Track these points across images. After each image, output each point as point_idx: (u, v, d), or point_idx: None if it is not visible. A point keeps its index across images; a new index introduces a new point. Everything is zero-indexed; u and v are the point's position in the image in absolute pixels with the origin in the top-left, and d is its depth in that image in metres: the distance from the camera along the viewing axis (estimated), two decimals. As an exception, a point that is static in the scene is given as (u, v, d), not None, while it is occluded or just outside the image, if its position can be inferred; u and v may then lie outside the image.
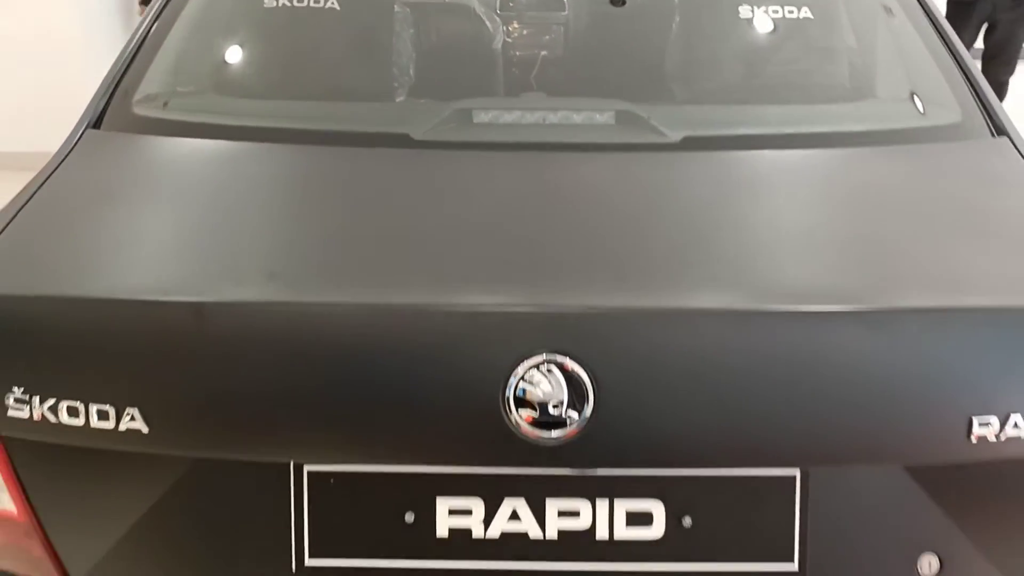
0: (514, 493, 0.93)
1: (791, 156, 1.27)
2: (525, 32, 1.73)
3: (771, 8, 1.54)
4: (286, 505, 0.93)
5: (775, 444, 0.92)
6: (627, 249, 1.04)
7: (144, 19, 1.50)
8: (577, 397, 0.89)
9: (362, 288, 0.97)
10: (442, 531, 0.93)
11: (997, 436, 0.91)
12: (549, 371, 0.89)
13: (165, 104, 1.41)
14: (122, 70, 1.40)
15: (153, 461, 0.94)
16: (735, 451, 0.92)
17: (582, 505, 0.93)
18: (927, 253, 1.06)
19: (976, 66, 1.43)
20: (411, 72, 1.58)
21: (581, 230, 1.08)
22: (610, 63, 1.54)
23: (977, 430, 0.91)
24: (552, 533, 0.93)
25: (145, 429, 0.92)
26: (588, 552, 0.94)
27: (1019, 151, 1.27)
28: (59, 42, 4.11)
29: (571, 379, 0.89)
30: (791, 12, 1.54)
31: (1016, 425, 0.91)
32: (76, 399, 0.92)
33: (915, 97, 1.44)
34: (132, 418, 0.92)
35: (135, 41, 1.45)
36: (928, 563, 0.95)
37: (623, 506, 0.93)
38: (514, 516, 0.93)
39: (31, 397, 0.93)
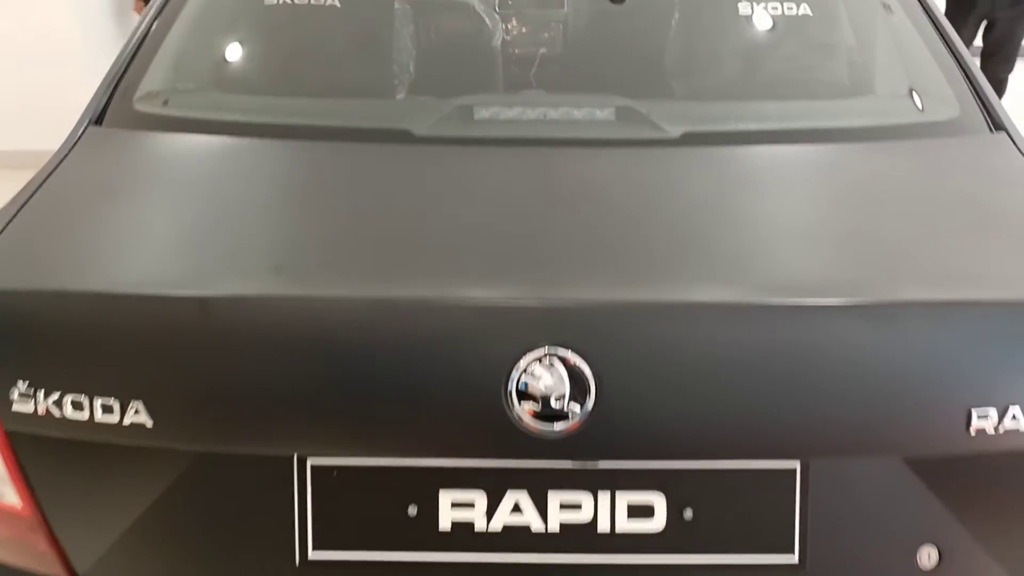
0: (516, 486, 0.94)
1: (790, 151, 1.27)
2: (525, 29, 1.73)
3: (770, 5, 1.54)
4: (290, 498, 0.94)
5: (775, 437, 0.92)
6: (628, 243, 1.05)
7: (145, 16, 1.51)
8: (579, 390, 0.90)
9: (365, 282, 0.97)
10: (445, 524, 0.94)
11: (996, 428, 0.92)
12: (551, 364, 0.90)
13: (167, 101, 1.41)
14: (124, 67, 1.41)
15: (157, 455, 0.94)
16: (736, 444, 0.93)
17: (584, 498, 0.94)
18: (926, 247, 1.06)
19: (974, 62, 1.44)
20: (411, 69, 1.59)
21: (582, 225, 1.08)
22: (610, 60, 1.55)
23: (976, 422, 0.91)
24: (554, 526, 0.94)
25: (149, 423, 0.92)
26: (590, 544, 0.94)
27: (1017, 146, 1.28)
28: (56, 42, 4.11)
29: (573, 372, 0.90)
30: (790, 9, 1.54)
31: (1015, 417, 0.92)
32: (81, 393, 0.93)
33: (913, 93, 1.45)
34: (136, 412, 0.92)
35: (137, 38, 1.46)
36: (927, 555, 0.96)
37: (625, 498, 0.93)
38: (516, 509, 0.94)
39: (36, 391, 0.94)
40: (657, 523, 0.94)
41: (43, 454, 0.97)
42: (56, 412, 0.94)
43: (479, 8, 1.63)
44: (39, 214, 1.12)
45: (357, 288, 0.96)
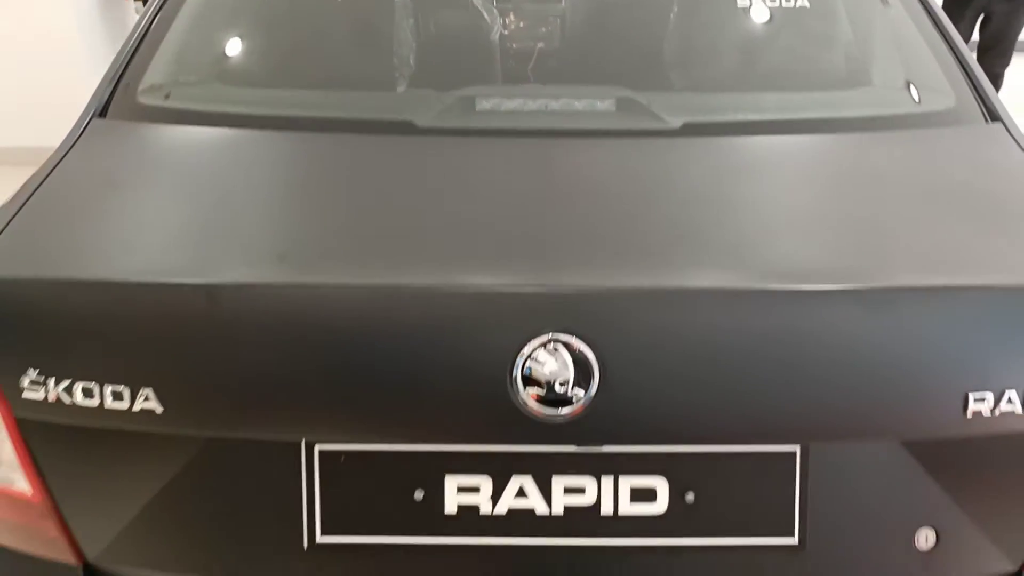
0: (521, 470, 0.95)
1: (789, 141, 1.29)
2: (525, 21, 1.74)
3: None
4: (298, 483, 0.95)
5: (775, 421, 0.94)
6: (630, 231, 1.06)
7: (148, 8, 1.51)
8: (582, 376, 0.91)
9: (371, 270, 0.98)
10: (451, 508, 0.95)
11: (992, 411, 0.93)
12: (555, 350, 0.91)
13: (170, 93, 1.42)
14: (127, 59, 1.41)
15: (167, 441, 0.95)
16: (736, 428, 0.94)
17: (587, 482, 0.95)
18: (923, 234, 1.08)
19: (970, 53, 1.45)
20: (411, 62, 1.59)
21: (585, 213, 1.10)
22: (610, 52, 1.56)
23: (973, 406, 0.93)
24: (558, 509, 0.95)
25: (159, 409, 0.93)
26: (593, 528, 0.96)
27: (1012, 136, 1.29)
28: (56, 39, 4.10)
29: (577, 358, 0.91)
30: (788, 1, 1.56)
31: (1011, 401, 0.93)
32: (91, 380, 0.94)
33: (910, 83, 1.46)
34: (146, 399, 0.93)
35: (140, 30, 1.47)
36: (925, 537, 0.97)
37: (627, 482, 0.95)
38: (521, 493, 0.95)
39: (46, 379, 0.95)
40: (659, 506, 0.95)
41: (53, 441, 0.98)
42: (66, 399, 0.95)
43: (478, 1, 1.64)
44: (46, 205, 1.13)
45: (363, 276, 0.97)
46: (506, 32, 1.67)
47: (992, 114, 1.34)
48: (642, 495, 0.95)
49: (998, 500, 0.98)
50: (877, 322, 0.93)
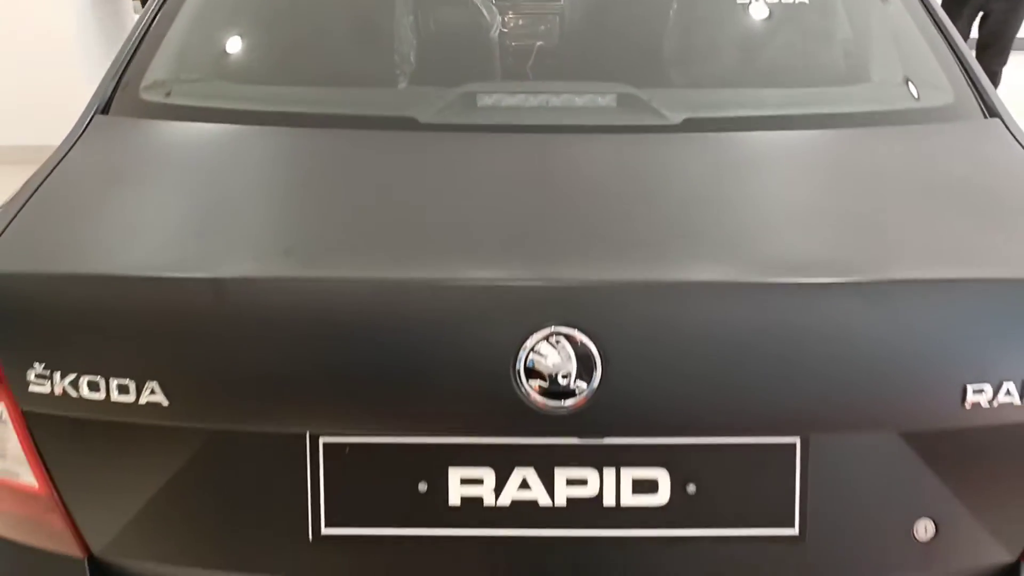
0: (524, 462, 0.96)
1: (789, 137, 1.29)
2: (525, 18, 1.75)
3: None
4: (302, 475, 0.96)
5: (776, 413, 0.95)
6: (632, 225, 1.07)
7: (150, 5, 1.52)
8: (585, 368, 0.92)
9: (375, 264, 0.99)
10: (454, 500, 0.96)
11: (990, 403, 0.94)
12: (557, 343, 0.92)
13: (173, 90, 1.43)
14: (129, 56, 1.42)
15: (172, 434, 0.96)
16: (737, 420, 0.95)
17: (590, 473, 0.96)
18: (921, 228, 1.09)
19: (969, 49, 1.46)
20: (412, 59, 1.60)
21: (587, 208, 1.10)
22: (610, 48, 1.57)
23: (971, 397, 0.94)
24: (561, 501, 0.96)
25: (165, 402, 0.94)
26: (596, 519, 0.96)
27: (1010, 131, 1.30)
28: (55, 38, 4.11)
29: (579, 351, 0.92)
30: None
31: (1009, 392, 0.94)
32: (97, 374, 0.95)
33: (909, 80, 1.47)
34: (152, 392, 0.94)
35: (142, 27, 1.47)
36: (924, 528, 0.98)
37: (629, 474, 0.96)
38: (524, 485, 0.96)
39: (52, 373, 0.95)
40: (661, 498, 0.96)
41: (59, 434, 0.99)
42: (72, 393, 0.95)
43: None
44: (51, 200, 1.13)
45: (367, 270, 0.98)
46: (507, 29, 1.68)
47: (990, 110, 1.35)
48: (644, 487, 0.96)
49: (997, 491, 0.99)
50: (876, 315, 0.94)
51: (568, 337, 0.92)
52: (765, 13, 1.60)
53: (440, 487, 0.96)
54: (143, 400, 0.94)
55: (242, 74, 1.54)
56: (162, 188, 1.21)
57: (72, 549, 1.01)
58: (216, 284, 0.95)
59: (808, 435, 0.95)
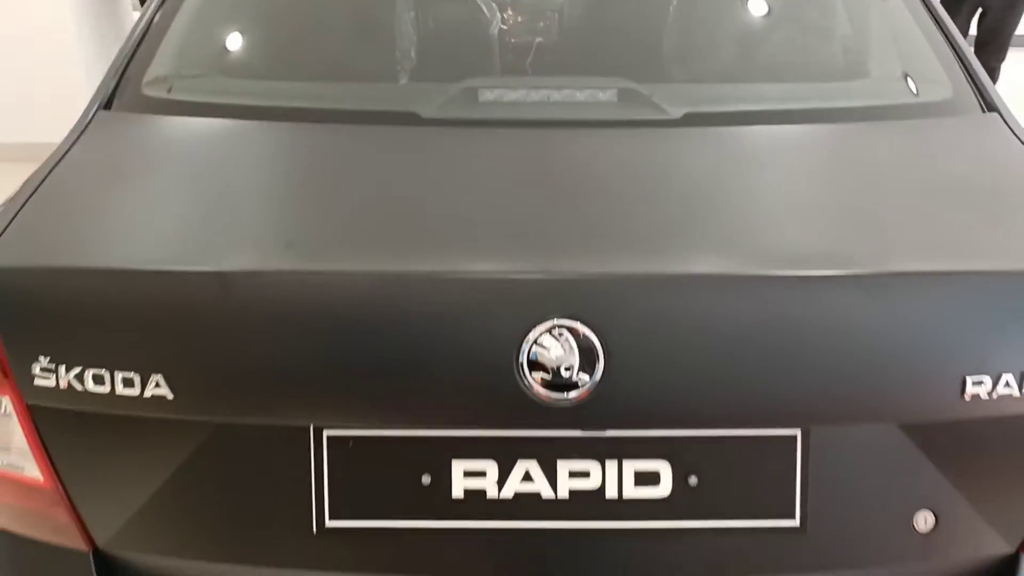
0: (527, 455, 0.96)
1: (789, 131, 1.30)
2: (526, 13, 1.75)
3: None
4: (306, 468, 0.96)
5: (777, 405, 0.95)
6: (633, 219, 1.07)
7: (151, 1, 1.52)
8: (587, 361, 0.93)
9: (379, 257, 1.00)
10: (457, 492, 0.96)
11: (990, 395, 0.95)
12: (560, 336, 0.93)
13: (176, 85, 1.43)
14: (132, 52, 1.42)
15: (177, 427, 0.96)
16: (738, 412, 0.95)
17: (592, 466, 0.96)
18: (921, 221, 1.09)
19: (967, 44, 1.47)
20: (413, 54, 1.61)
21: (589, 202, 1.11)
22: (611, 44, 1.57)
23: (971, 389, 0.94)
24: (563, 493, 0.97)
25: (170, 395, 0.94)
26: (598, 511, 0.97)
27: (1008, 126, 1.31)
28: (54, 35, 4.11)
29: (581, 343, 0.92)
30: None
31: (1008, 384, 0.95)
32: (101, 367, 0.95)
33: (908, 75, 1.48)
34: (157, 385, 0.94)
35: (144, 22, 1.47)
36: (924, 519, 0.99)
37: (631, 466, 0.96)
38: (527, 477, 0.96)
39: (57, 366, 0.96)
40: (663, 490, 0.96)
41: (64, 428, 0.99)
42: (77, 386, 0.96)
43: None
44: (55, 195, 1.14)
45: (370, 263, 0.98)
46: (508, 24, 1.68)
47: (988, 104, 1.36)
48: (646, 479, 0.96)
49: (996, 483, 0.99)
50: (876, 307, 0.94)
51: (571, 330, 0.92)
52: (765, 9, 1.61)
53: (443, 479, 0.96)
54: (148, 393, 0.95)
55: (244, 70, 1.54)
56: (165, 183, 1.21)
57: (77, 542, 1.02)
58: (221, 277, 0.96)
59: (809, 427, 0.96)
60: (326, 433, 0.96)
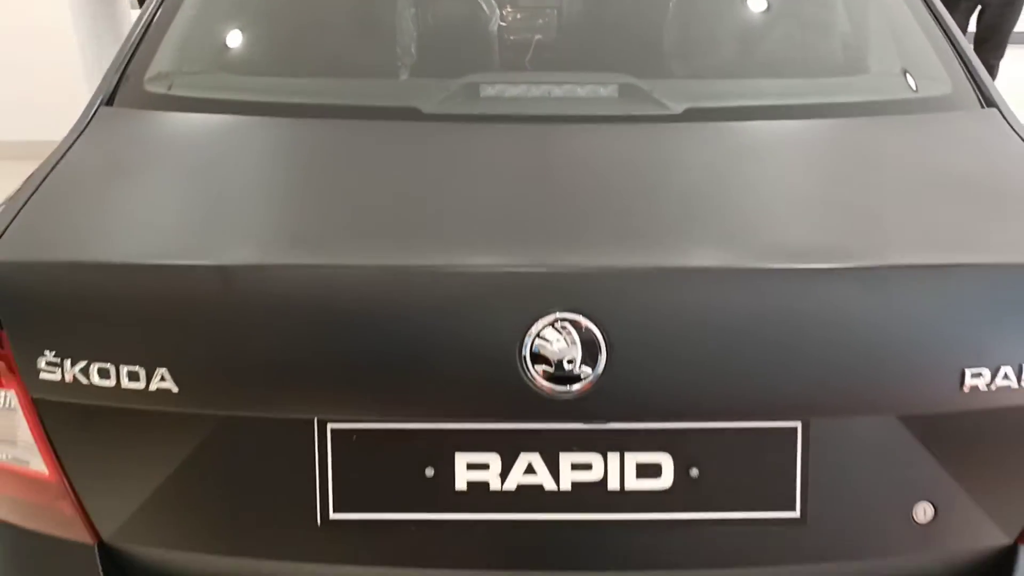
0: (529, 448, 0.97)
1: (789, 126, 1.31)
2: (526, 9, 1.76)
3: None
4: (311, 461, 0.97)
5: (777, 398, 0.96)
6: (635, 213, 1.08)
7: None
8: (589, 354, 0.93)
9: (383, 251, 1.00)
10: (461, 485, 0.97)
11: (988, 387, 0.95)
12: (563, 328, 0.93)
13: (177, 82, 1.43)
14: (133, 48, 1.43)
15: (182, 420, 0.97)
16: (740, 405, 0.96)
17: (594, 458, 0.97)
18: (920, 215, 1.10)
19: (966, 40, 1.47)
20: (413, 51, 1.61)
21: (591, 196, 1.11)
22: (612, 40, 1.58)
23: (969, 381, 0.95)
24: (566, 485, 0.97)
25: (175, 389, 0.95)
26: (600, 503, 0.98)
27: (1007, 121, 1.32)
28: (53, 33, 4.11)
29: (584, 336, 0.93)
30: None
31: (1006, 376, 0.96)
32: (107, 361, 0.96)
33: (908, 70, 1.49)
34: (162, 378, 0.95)
35: (146, 18, 1.48)
36: (923, 510, 1.00)
37: (633, 459, 0.97)
38: (529, 470, 0.97)
39: (62, 360, 0.96)
40: (664, 482, 0.97)
41: (69, 422, 1.00)
42: (83, 380, 0.96)
43: None
44: (59, 190, 1.14)
45: (375, 257, 0.99)
46: (509, 21, 1.68)
47: (987, 100, 1.37)
48: (647, 471, 0.97)
49: (994, 474, 1.00)
50: (876, 300, 0.95)
51: (573, 323, 0.93)
52: (765, 5, 1.61)
53: (447, 472, 0.97)
54: (153, 387, 0.95)
55: (245, 66, 1.54)
56: (168, 178, 1.21)
57: (82, 535, 1.02)
58: (225, 271, 0.96)
59: (809, 419, 0.97)
60: (330, 426, 0.97)
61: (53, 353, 0.97)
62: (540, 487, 0.97)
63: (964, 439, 0.99)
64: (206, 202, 1.14)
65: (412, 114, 1.30)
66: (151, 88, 1.38)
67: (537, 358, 0.93)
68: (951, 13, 1.56)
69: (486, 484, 0.97)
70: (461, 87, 1.38)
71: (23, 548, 1.07)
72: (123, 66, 1.40)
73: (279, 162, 1.26)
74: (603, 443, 0.97)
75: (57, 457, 1.00)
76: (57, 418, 0.99)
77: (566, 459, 0.97)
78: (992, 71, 4.10)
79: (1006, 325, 0.97)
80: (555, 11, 1.72)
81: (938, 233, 1.06)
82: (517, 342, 0.93)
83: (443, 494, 0.97)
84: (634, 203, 1.10)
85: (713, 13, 1.63)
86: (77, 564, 1.03)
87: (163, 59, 1.43)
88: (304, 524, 0.98)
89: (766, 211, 1.11)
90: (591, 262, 0.97)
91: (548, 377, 0.93)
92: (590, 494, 0.97)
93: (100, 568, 1.02)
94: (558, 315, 0.93)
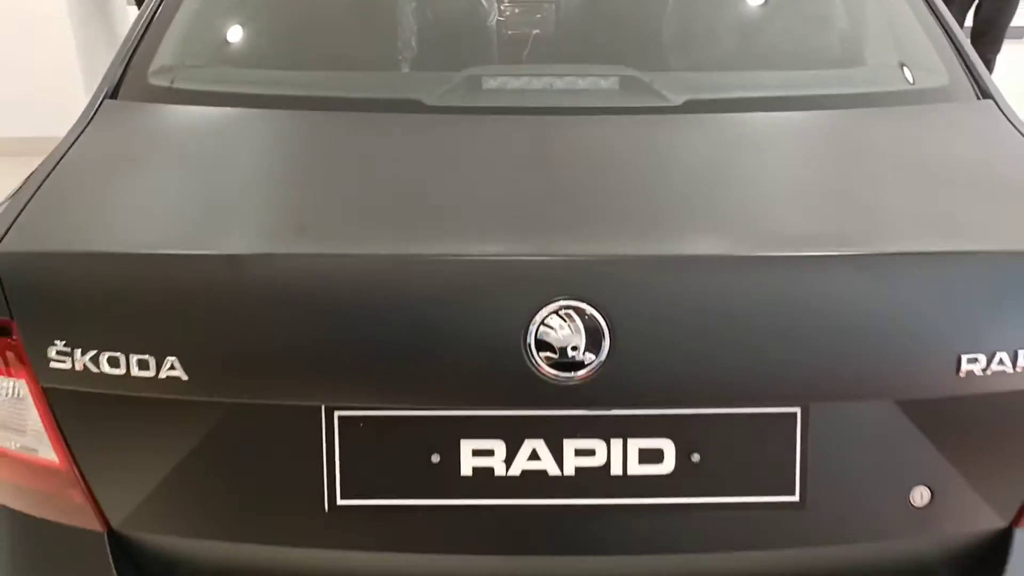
0: (534, 434, 0.98)
1: (788, 117, 1.32)
2: (527, 3, 1.76)
3: None
4: (318, 448, 0.98)
5: (777, 384, 0.97)
6: (637, 202, 1.09)
7: None
8: (593, 341, 0.94)
9: (388, 240, 1.01)
10: (466, 471, 0.98)
11: (984, 372, 0.97)
12: (567, 316, 0.95)
13: (182, 74, 1.44)
14: (137, 41, 1.43)
15: (191, 408, 0.98)
16: (740, 391, 0.98)
17: (597, 444, 0.99)
18: (917, 203, 1.11)
19: (963, 32, 1.49)
20: (415, 44, 1.62)
21: (593, 186, 1.13)
22: (612, 33, 1.59)
23: (965, 366, 0.97)
24: (569, 471, 0.99)
25: (184, 377, 0.96)
26: (603, 488, 0.99)
27: (1003, 112, 1.34)
28: (52, 33, 4.10)
29: (588, 324, 0.94)
30: None
31: (1002, 361, 0.97)
32: (116, 350, 0.97)
33: (905, 62, 1.50)
34: (172, 367, 0.96)
35: (148, 12, 1.49)
36: (920, 494, 1.01)
37: (636, 444, 0.98)
38: (534, 456, 0.99)
39: (72, 349, 0.97)
40: (666, 467, 0.99)
41: (79, 410, 1.01)
42: (93, 368, 0.97)
43: None
44: (66, 181, 1.15)
45: (381, 246, 1.00)
46: (510, 14, 1.69)
47: (983, 91, 1.38)
48: (650, 456, 0.99)
49: (990, 458, 1.02)
50: (874, 287, 0.97)
51: (577, 310, 0.94)
52: (763, -2, 1.62)
53: (452, 458, 0.98)
54: (162, 375, 0.96)
55: (248, 59, 1.55)
56: (174, 169, 1.22)
57: (92, 523, 1.04)
58: (233, 261, 0.97)
59: (808, 405, 0.98)
60: (337, 413, 0.98)
61: (63, 342, 0.98)
62: (544, 473, 0.99)
63: (960, 424, 1.00)
64: (213, 193, 1.15)
65: (415, 106, 1.32)
66: (155, 81, 1.39)
67: (541, 345, 0.95)
68: (948, 7, 1.57)
69: (491, 470, 0.99)
70: (463, 80, 1.39)
71: (33, 536, 1.08)
72: (127, 59, 1.41)
73: (285, 153, 1.27)
74: (606, 429, 0.99)
75: (67, 445, 1.01)
76: (67, 407, 1.01)
77: (570, 445, 0.99)
78: (989, 65, 4.11)
79: (1001, 312, 0.98)
80: (555, 5, 1.73)
81: (934, 221, 1.07)
82: (521, 330, 0.94)
83: (449, 480, 0.99)
84: (636, 193, 1.12)
85: (712, 6, 1.65)
86: (87, 552, 1.04)
87: (167, 52, 1.44)
88: (311, 510, 1.00)
89: (765, 200, 1.13)
90: (594, 251, 0.98)
91: (552, 364, 0.95)
92: (593, 479, 0.99)
93: (110, 556, 1.04)
94: (562, 303, 0.94)
